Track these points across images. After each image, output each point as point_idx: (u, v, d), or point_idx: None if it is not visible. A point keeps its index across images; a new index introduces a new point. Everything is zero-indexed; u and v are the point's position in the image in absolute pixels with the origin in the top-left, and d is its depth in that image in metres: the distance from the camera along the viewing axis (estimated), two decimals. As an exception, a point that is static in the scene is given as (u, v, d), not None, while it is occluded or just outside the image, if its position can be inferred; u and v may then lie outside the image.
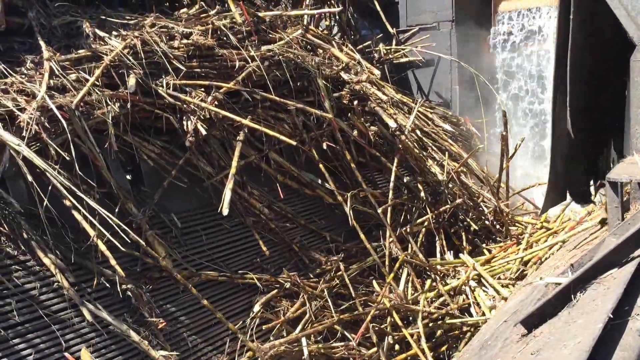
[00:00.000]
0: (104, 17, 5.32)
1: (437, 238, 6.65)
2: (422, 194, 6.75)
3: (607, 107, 5.49)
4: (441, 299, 5.84)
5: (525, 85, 9.38)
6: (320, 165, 5.99)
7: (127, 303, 4.29)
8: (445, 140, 8.12)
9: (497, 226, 7.23)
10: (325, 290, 5.24)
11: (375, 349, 5.08)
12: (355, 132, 6.52)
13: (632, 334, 2.28)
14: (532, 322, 2.94)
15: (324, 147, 6.11)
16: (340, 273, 5.50)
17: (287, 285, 5.11)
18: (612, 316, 2.29)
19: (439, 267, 6.24)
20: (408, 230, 6.33)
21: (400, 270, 5.92)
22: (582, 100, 5.10)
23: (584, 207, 6.26)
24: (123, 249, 4.09)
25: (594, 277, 2.79)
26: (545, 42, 9.01)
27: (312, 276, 5.47)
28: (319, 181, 6.14)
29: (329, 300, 5.17)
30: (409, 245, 6.20)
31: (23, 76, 4.39)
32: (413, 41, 9.59)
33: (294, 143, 5.54)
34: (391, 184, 6.40)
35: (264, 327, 4.91)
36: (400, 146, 6.81)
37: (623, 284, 2.51)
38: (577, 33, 4.89)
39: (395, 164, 6.56)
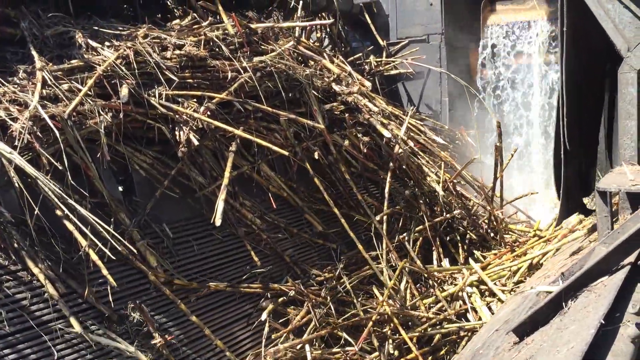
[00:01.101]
0: (96, 28, 5.32)
1: (433, 246, 6.75)
2: (422, 204, 6.84)
3: (598, 119, 5.58)
4: (439, 305, 5.97)
5: (513, 96, 9.49)
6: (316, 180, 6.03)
7: (121, 315, 4.28)
8: (439, 151, 8.19)
9: (492, 234, 7.36)
10: (328, 297, 5.38)
11: (376, 353, 5.16)
12: (346, 142, 6.55)
13: (623, 339, 2.30)
14: (524, 330, 2.97)
15: (316, 156, 6.14)
16: (342, 280, 5.60)
17: (292, 293, 5.23)
18: (603, 322, 2.32)
19: (436, 273, 6.36)
20: (406, 238, 6.45)
21: (400, 277, 6.00)
22: (576, 112, 5.18)
23: (577, 216, 6.37)
24: (114, 258, 4.07)
25: (585, 285, 2.82)
26: (533, 55, 9.14)
27: (314, 284, 5.56)
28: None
29: (332, 307, 5.31)
30: (408, 254, 6.31)
31: (15, 86, 4.38)
32: (403, 53, 9.70)
33: (286, 153, 5.57)
34: (386, 193, 6.44)
35: (272, 335, 5.00)
36: (395, 156, 6.86)
37: (614, 291, 2.54)
38: (571, 45, 4.96)
39: (389, 174, 6.62)
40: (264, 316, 5.04)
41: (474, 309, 5.82)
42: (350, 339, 5.16)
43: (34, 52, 4.73)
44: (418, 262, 6.31)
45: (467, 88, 9.20)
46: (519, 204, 8.11)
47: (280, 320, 5.17)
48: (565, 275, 3.29)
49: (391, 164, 6.79)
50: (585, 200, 5.98)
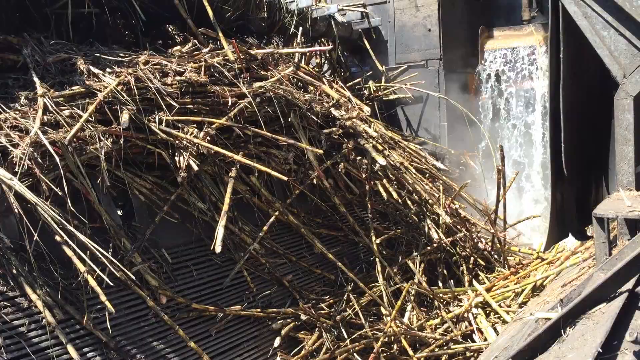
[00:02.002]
0: (98, 55, 5.38)
1: (438, 268, 6.85)
2: (425, 227, 6.95)
3: (593, 145, 5.62)
4: (445, 326, 6.05)
5: (511, 121, 9.55)
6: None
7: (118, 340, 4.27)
8: (440, 175, 8.28)
9: (495, 256, 7.46)
10: (339, 321, 5.49)
11: None
12: (342, 166, 6.60)
13: (621, 368, 2.31)
14: (523, 357, 2.96)
15: (314, 182, 6.18)
16: (351, 303, 5.71)
17: (303, 317, 5.33)
18: (601, 350, 2.32)
19: (442, 295, 6.46)
20: (412, 260, 6.58)
21: (406, 300, 6.11)
22: (573, 137, 5.21)
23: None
24: (112, 284, 4.06)
25: (583, 312, 2.82)
26: (531, 80, 9.22)
27: (324, 307, 5.64)
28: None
29: (343, 331, 5.43)
30: (413, 275, 6.44)
31: (17, 112, 4.42)
32: (402, 78, 9.78)
33: (285, 178, 5.59)
34: (369, 214, 6.47)
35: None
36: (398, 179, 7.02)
37: (611, 318, 2.54)
38: (567, 72, 5.02)
39: (394, 196, 6.81)
40: (276, 342, 5.12)
41: (480, 330, 5.92)
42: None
43: (35, 79, 4.77)
44: (424, 283, 6.42)
45: (466, 113, 9.27)
46: (521, 226, 8.21)
47: (282, 344, 5.18)
48: (563, 301, 3.29)
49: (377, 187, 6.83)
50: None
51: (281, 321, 5.32)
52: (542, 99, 9.20)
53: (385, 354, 5.42)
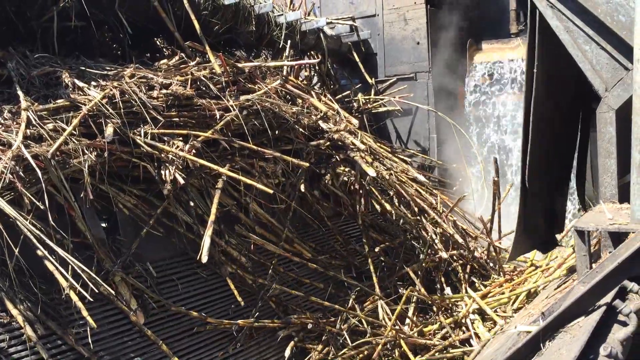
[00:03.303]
0: (83, 68, 5.38)
1: (435, 276, 7.01)
2: (426, 237, 7.21)
3: (564, 157, 5.65)
4: (443, 331, 6.20)
5: (498, 134, 9.60)
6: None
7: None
8: (431, 188, 8.37)
9: (491, 264, 7.66)
10: (343, 329, 5.65)
11: None
12: (327, 177, 6.61)
13: (597, 383, 2.30)
14: (503, 371, 2.95)
15: (302, 189, 6.18)
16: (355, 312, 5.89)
17: (310, 326, 5.49)
18: (575, 365, 2.32)
19: (439, 302, 6.64)
20: (413, 268, 6.81)
21: (405, 306, 6.27)
22: (542, 150, 5.23)
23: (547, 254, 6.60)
24: (92, 300, 4.03)
25: (562, 325, 2.82)
26: (518, 93, 9.28)
27: (330, 316, 5.79)
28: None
29: (347, 338, 5.57)
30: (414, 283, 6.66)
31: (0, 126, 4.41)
32: (391, 91, 9.82)
33: (270, 191, 5.58)
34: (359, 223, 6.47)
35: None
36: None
37: (587, 332, 2.54)
38: (540, 85, 5.03)
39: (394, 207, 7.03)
40: (287, 352, 5.23)
41: (477, 335, 6.03)
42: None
43: (19, 92, 4.77)
44: (422, 290, 6.60)
45: (454, 126, 9.31)
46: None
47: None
48: (545, 314, 3.29)
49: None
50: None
51: (286, 331, 5.44)
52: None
53: (387, 359, 5.59)
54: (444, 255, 7.09)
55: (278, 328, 5.43)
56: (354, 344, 5.55)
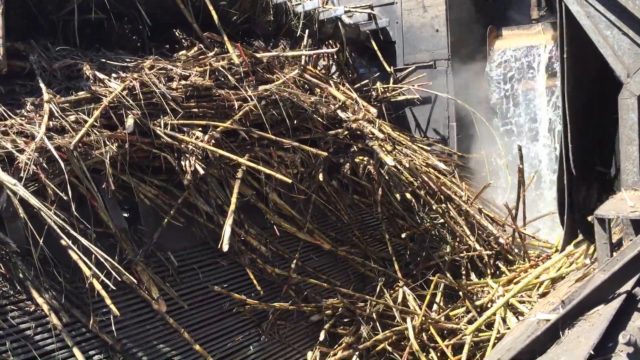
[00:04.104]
0: (104, 60, 5.44)
1: (462, 262, 7.20)
2: (453, 223, 7.41)
3: (596, 145, 5.60)
4: (469, 315, 6.34)
5: (519, 121, 9.49)
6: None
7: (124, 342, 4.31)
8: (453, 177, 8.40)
9: (516, 250, 7.78)
10: (374, 313, 5.80)
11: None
12: (347, 166, 6.61)
13: (615, 370, 2.29)
14: (522, 359, 2.95)
15: (320, 178, 6.20)
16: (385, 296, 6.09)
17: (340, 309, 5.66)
18: (593, 353, 2.31)
19: (466, 287, 6.79)
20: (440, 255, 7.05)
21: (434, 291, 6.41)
22: (583, 138, 5.20)
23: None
24: (114, 288, 4.10)
25: (581, 313, 2.80)
26: (539, 79, 9.17)
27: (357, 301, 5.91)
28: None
29: (377, 322, 5.77)
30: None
31: (23, 118, 4.48)
32: (410, 79, 9.76)
33: (289, 181, 5.61)
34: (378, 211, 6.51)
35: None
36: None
37: (607, 320, 2.52)
38: (570, 71, 4.99)
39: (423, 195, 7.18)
40: (321, 336, 5.42)
41: (503, 319, 6.11)
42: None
43: (42, 85, 4.84)
44: (449, 276, 6.75)
45: (474, 113, 9.24)
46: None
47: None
48: (565, 302, 3.27)
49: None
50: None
51: (317, 315, 5.60)
52: (551, 99, 9.15)
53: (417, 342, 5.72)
54: (477, 246, 7.27)
55: (310, 312, 5.56)
56: (385, 331, 5.69)
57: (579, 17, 4.55)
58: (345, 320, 5.73)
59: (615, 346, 2.43)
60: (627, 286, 2.86)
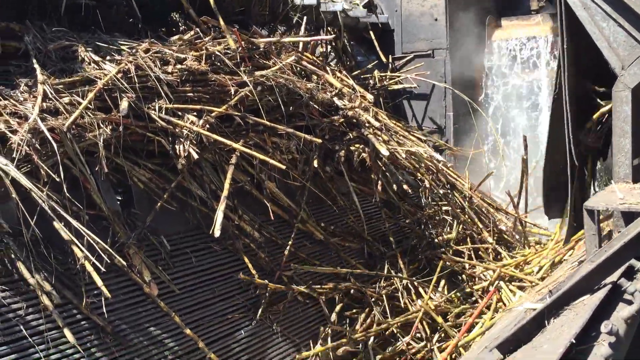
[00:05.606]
0: (99, 42, 5.42)
1: (465, 246, 7.36)
2: (466, 213, 7.64)
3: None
4: (472, 298, 6.61)
5: (517, 110, 9.49)
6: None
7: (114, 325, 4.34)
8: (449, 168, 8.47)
9: (516, 237, 7.97)
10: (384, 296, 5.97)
11: (423, 342, 5.82)
12: (342, 153, 6.62)
13: (597, 359, 2.32)
14: (508, 347, 2.97)
15: (315, 164, 6.20)
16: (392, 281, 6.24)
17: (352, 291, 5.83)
18: (574, 342, 2.33)
19: (469, 270, 7.02)
20: (442, 239, 7.24)
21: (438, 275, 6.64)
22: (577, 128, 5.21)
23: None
24: (104, 270, 4.11)
25: (567, 303, 2.83)
26: (538, 71, 9.16)
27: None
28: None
29: (386, 306, 5.93)
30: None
31: (16, 99, 4.47)
32: (408, 68, 9.74)
33: (283, 167, 5.61)
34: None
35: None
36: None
37: (590, 310, 2.55)
38: (570, 63, 4.99)
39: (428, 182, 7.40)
40: (333, 317, 5.54)
41: (503, 302, 6.35)
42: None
43: (36, 66, 4.83)
44: (453, 257, 6.96)
45: (471, 103, 9.23)
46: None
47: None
48: (552, 292, 3.30)
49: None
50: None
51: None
52: (550, 89, 9.14)
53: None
54: (485, 232, 7.48)
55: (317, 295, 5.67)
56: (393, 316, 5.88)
57: (575, 8, 4.54)
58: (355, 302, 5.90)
59: (598, 335, 2.46)
60: (613, 277, 2.88)
